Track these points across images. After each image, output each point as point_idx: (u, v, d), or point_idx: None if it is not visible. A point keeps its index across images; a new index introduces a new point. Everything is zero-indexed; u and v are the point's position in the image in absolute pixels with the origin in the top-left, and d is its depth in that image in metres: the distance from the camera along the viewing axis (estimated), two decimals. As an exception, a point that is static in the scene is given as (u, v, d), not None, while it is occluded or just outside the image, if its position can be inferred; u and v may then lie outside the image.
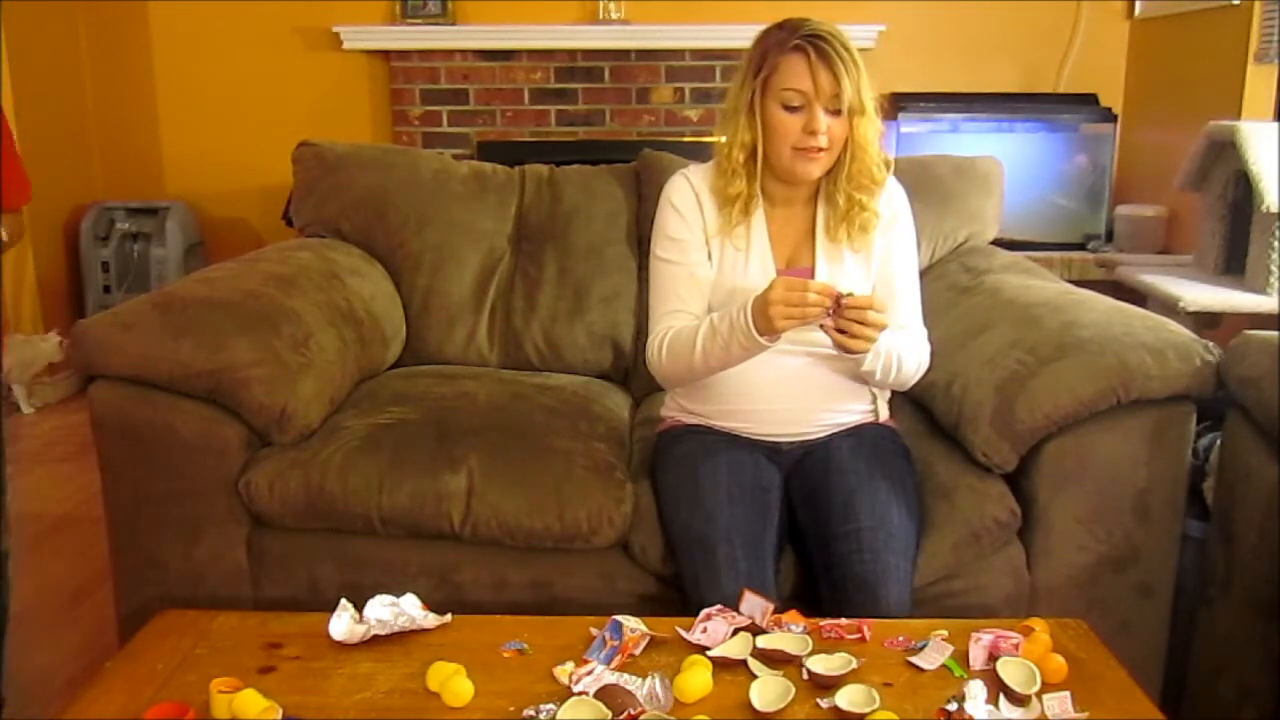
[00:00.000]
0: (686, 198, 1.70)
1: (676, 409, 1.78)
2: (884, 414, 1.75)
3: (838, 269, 1.67)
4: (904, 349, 1.62)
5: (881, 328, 1.50)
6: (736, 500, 1.55)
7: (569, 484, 1.68)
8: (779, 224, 1.70)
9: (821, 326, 1.50)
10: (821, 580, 1.54)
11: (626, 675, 1.22)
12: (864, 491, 1.55)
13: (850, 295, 1.48)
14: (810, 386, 1.67)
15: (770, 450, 1.68)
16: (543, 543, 1.59)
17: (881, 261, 1.70)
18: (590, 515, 1.65)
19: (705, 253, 1.68)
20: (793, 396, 1.67)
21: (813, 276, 1.65)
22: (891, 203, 1.70)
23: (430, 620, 1.35)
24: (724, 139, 1.66)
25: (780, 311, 1.47)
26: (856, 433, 1.69)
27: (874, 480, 1.57)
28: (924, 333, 1.72)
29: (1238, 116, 3.14)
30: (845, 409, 1.70)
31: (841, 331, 1.48)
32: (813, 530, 1.58)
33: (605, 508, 1.66)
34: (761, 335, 1.50)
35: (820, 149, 1.58)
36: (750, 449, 1.67)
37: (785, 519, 1.61)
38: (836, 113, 1.57)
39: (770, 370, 1.64)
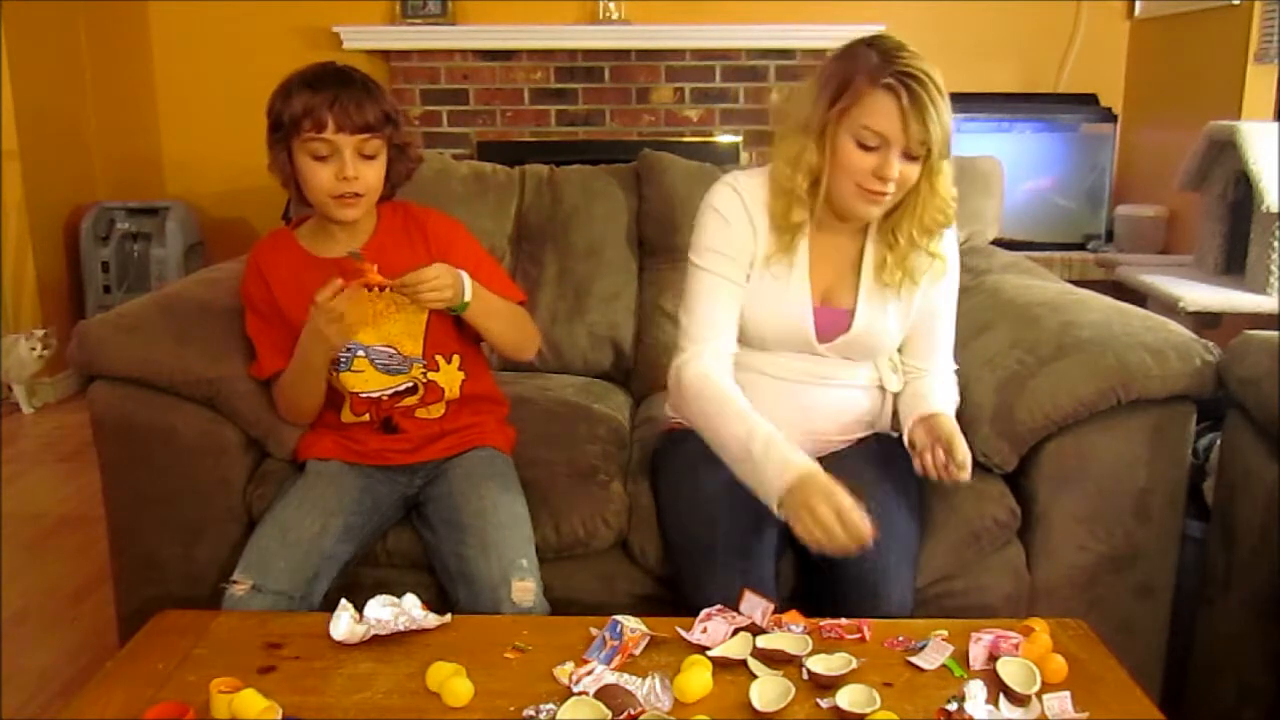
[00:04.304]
0: (736, 210, 1.57)
1: (682, 415, 1.73)
2: (887, 427, 1.71)
3: (879, 313, 1.60)
4: (951, 405, 1.62)
5: (962, 481, 1.50)
6: (737, 503, 1.54)
7: (555, 493, 1.68)
8: (820, 252, 1.59)
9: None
10: (823, 582, 1.53)
11: (626, 675, 1.22)
12: (868, 496, 1.52)
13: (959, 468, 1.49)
14: (822, 416, 1.64)
15: None
16: (544, 555, 1.60)
17: (923, 305, 1.63)
18: (585, 520, 1.65)
19: (746, 273, 1.58)
20: (806, 425, 1.61)
21: (851, 318, 1.59)
22: (946, 247, 1.61)
23: (430, 620, 1.34)
24: (785, 157, 1.52)
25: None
26: (861, 442, 1.68)
27: (877, 483, 1.56)
28: (954, 368, 1.69)
29: (1238, 116, 3.14)
30: (852, 436, 1.68)
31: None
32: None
33: (598, 510, 1.66)
34: (777, 500, 1.40)
35: (886, 193, 1.48)
36: None
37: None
38: (914, 158, 1.46)
39: (788, 401, 1.60)
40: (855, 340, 1.60)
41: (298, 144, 1.55)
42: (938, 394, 1.62)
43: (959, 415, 1.71)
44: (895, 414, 1.75)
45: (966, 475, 1.50)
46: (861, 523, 1.33)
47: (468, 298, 1.59)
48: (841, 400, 1.64)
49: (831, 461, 1.63)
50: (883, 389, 1.66)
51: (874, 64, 1.44)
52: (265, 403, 1.70)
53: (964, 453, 1.49)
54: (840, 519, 1.33)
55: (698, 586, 1.50)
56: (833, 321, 1.60)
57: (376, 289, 1.54)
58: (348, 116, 1.54)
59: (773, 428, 1.46)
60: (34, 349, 3.47)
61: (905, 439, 1.59)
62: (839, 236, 1.59)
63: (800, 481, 1.37)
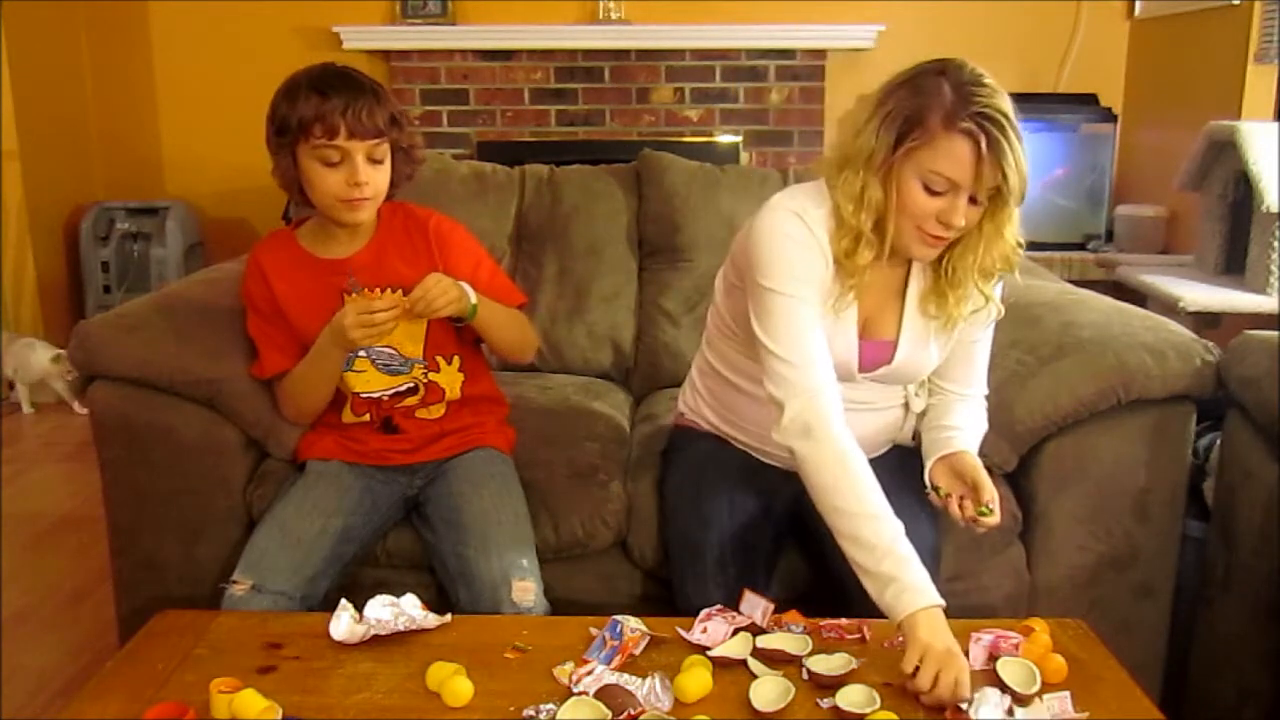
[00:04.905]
0: (809, 241, 1.42)
1: (698, 416, 1.70)
2: (909, 439, 1.65)
3: (920, 345, 1.51)
4: (981, 428, 1.56)
5: (993, 526, 1.42)
6: (736, 508, 1.53)
7: (555, 494, 1.68)
8: (864, 282, 1.46)
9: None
10: (837, 584, 1.46)
11: (626, 675, 1.22)
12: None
13: (985, 514, 1.41)
14: (854, 439, 1.56)
15: (789, 473, 1.54)
16: (543, 556, 1.60)
17: (963, 335, 1.53)
18: (584, 520, 1.66)
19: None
20: None
21: (894, 351, 1.51)
22: (995, 290, 1.50)
23: (430, 620, 1.34)
24: (847, 190, 1.39)
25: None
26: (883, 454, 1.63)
27: (898, 492, 1.48)
28: (985, 391, 1.61)
29: (1238, 116, 3.14)
30: (879, 453, 1.60)
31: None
32: (833, 542, 1.42)
33: (597, 510, 1.66)
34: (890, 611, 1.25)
35: (948, 238, 1.39)
36: (766, 465, 1.61)
37: (785, 522, 1.59)
38: (980, 202, 1.36)
39: None
40: (895, 372, 1.53)
41: (306, 148, 1.54)
42: (961, 424, 1.52)
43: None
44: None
45: (996, 519, 1.41)
46: (964, 689, 1.18)
47: (474, 302, 1.60)
48: (869, 422, 1.57)
49: None
50: (907, 407, 1.61)
51: (949, 103, 1.31)
52: (265, 403, 1.70)
53: (991, 493, 1.41)
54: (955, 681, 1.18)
55: (684, 588, 1.50)
56: (875, 353, 1.52)
57: (390, 308, 1.54)
58: (360, 123, 1.52)
59: (905, 548, 1.29)
60: (55, 362, 3.47)
61: (926, 476, 1.51)
62: (883, 265, 1.47)
63: (927, 618, 1.23)
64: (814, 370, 1.40)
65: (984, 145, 1.29)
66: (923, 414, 1.60)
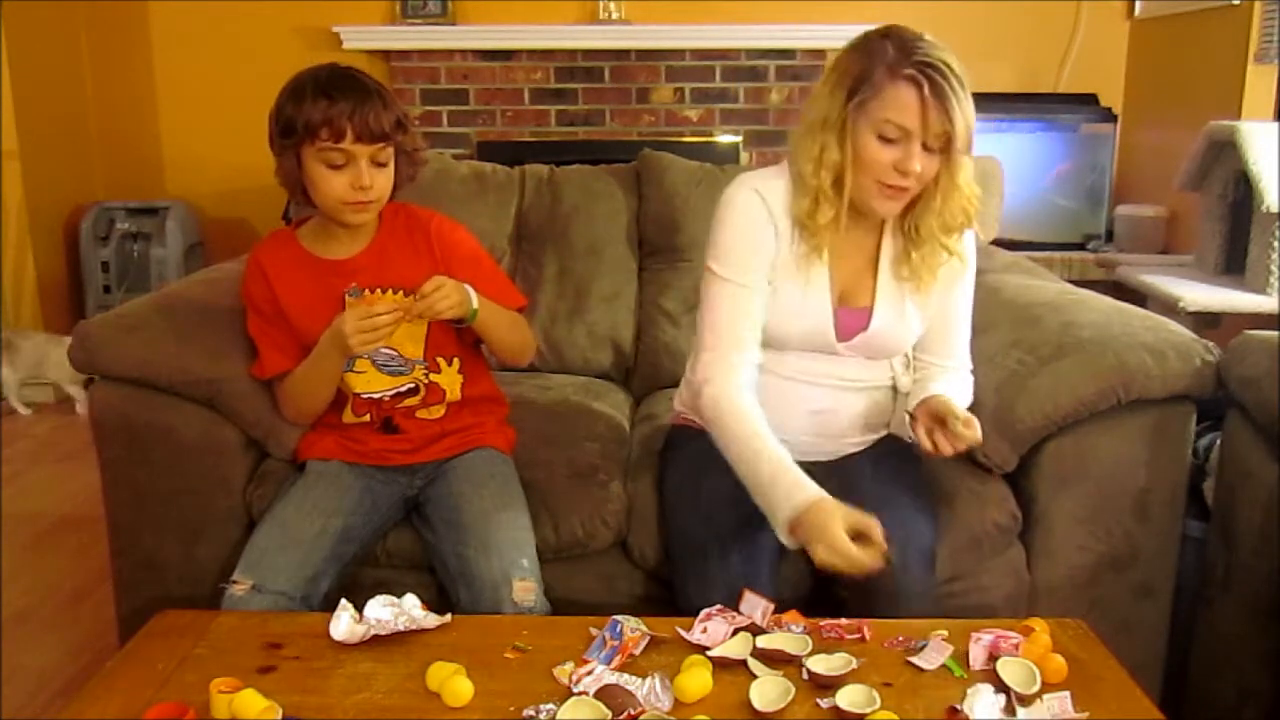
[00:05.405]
0: (758, 213, 1.52)
1: (695, 414, 1.70)
2: (904, 432, 1.66)
3: (896, 311, 1.58)
4: (966, 398, 1.59)
5: (974, 440, 1.45)
6: (738, 505, 1.53)
7: (555, 494, 1.68)
8: (837, 250, 1.55)
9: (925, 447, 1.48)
10: (837, 586, 1.50)
11: (626, 675, 1.22)
12: (885, 502, 1.47)
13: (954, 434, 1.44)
14: (839, 419, 1.62)
15: None
16: (543, 556, 1.60)
17: (940, 301, 1.60)
18: (584, 520, 1.66)
19: (769, 278, 1.54)
20: (819, 429, 1.61)
21: (870, 317, 1.57)
22: (965, 246, 1.58)
23: (430, 620, 1.34)
24: (806, 154, 1.48)
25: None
26: (876, 446, 1.67)
27: (892, 486, 1.54)
28: (970, 365, 1.67)
29: (1238, 116, 3.14)
30: (867, 439, 1.66)
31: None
32: None
33: (597, 510, 1.66)
34: (782, 534, 1.39)
35: (907, 189, 1.46)
36: None
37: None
38: (934, 150, 1.43)
39: (799, 405, 1.59)
40: (874, 339, 1.58)
41: (311, 151, 1.54)
42: (942, 391, 1.57)
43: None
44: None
45: (975, 432, 1.44)
46: (878, 539, 1.30)
47: (475, 305, 1.60)
48: (857, 402, 1.62)
49: (846, 465, 1.63)
50: (895, 389, 1.65)
51: (892, 55, 1.41)
52: (265, 403, 1.70)
53: (965, 414, 1.45)
54: (858, 539, 1.30)
55: (685, 587, 1.50)
56: (851, 321, 1.58)
57: (390, 311, 1.53)
58: (366, 127, 1.52)
59: (783, 452, 1.43)
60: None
61: (910, 430, 1.56)
62: (854, 233, 1.55)
63: (809, 509, 1.35)
64: (727, 346, 1.52)
65: (927, 90, 1.38)
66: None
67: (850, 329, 1.57)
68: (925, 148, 1.42)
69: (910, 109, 1.39)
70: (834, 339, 1.57)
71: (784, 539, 1.39)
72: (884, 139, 1.42)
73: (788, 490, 1.38)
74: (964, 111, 1.40)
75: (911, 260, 1.54)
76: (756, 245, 1.52)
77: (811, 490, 1.37)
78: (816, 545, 1.32)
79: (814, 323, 1.55)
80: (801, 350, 1.59)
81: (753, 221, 1.52)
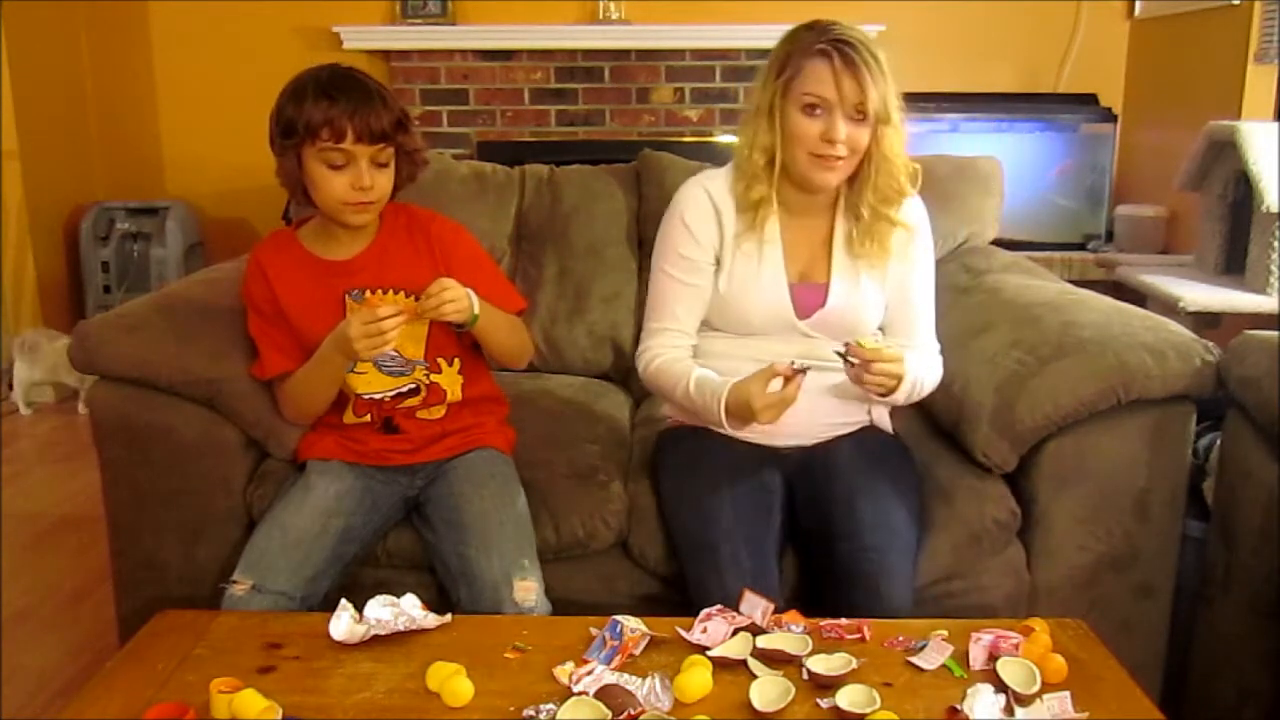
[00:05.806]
0: (703, 212, 1.66)
1: (678, 410, 1.77)
2: (886, 424, 1.74)
3: (852, 286, 1.66)
4: (924, 374, 1.62)
5: (896, 376, 1.53)
6: (738, 500, 1.55)
7: (555, 494, 1.68)
8: (794, 233, 1.67)
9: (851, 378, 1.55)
10: (824, 581, 1.54)
11: (626, 675, 1.22)
12: (866, 493, 1.55)
13: (858, 345, 1.52)
14: (813, 399, 1.63)
15: (771, 453, 1.67)
16: (544, 556, 1.60)
17: (897, 279, 1.68)
18: (584, 520, 1.66)
19: (713, 269, 1.67)
20: (796, 410, 1.61)
21: (827, 293, 1.66)
22: (911, 217, 1.67)
23: (430, 620, 1.34)
24: (744, 141, 1.63)
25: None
26: (858, 436, 1.69)
27: (876, 482, 1.57)
28: (937, 347, 1.72)
29: (1238, 116, 3.14)
30: (846, 421, 1.70)
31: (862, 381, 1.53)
32: (816, 531, 1.58)
33: (598, 510, 1.66)
34: (727, 422, 1.57)
35: (839, 158, 1.55)
36: (751, 450, 1.66)
37: (787, 520, 1.61)
38: (859, 121, 1.54)
39: (771, 388, 1.60)
40: (831, 314, 1.65)
41: (311, 151, 1.54)
42: (918, 355, 1.64)
43: (958, 415, 1.72)
44: (890, 410, 1.75)
45: (896, 364, 1.54)
46: (788, 370, 1.51)
47: (476, 310, 1.60)
48: (830, 380, 1.64)
49: (828, 456, 1.64)
50: None
51: (809, 37, 1.55)
52: (265, 403, 1.70)
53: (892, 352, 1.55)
54: (780, 386, 1.50)
55: (701, 584, 1.50)
56: (810, 297, 1.66)
57: (394, 314, 1.53)
58: (367, 127, 1.52)
59: (706, 372, 1.62)
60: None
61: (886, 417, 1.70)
62: (810, 217, 1.67)
63: (730, 393, 1.55)
64: (665, 326, 1.69)
65: (838, 60, 1.51)
66: None
67: (809, 306, 1.66)
68: (850, 119, 1.54)
69: (825, 80, 1.52)
70: (794, 315, 1.66)
71: (733, 431, 1.58)
72: (808, 112, 1.55)
73: (713, 392, 1.57)
74: (876, 81, 1.52)
75: (861, 236, 1.64)
76: (698, 244, 1.66)
77: (722, 382, 1.57)
78: (758, 413, 1.51)
79: (771, 298, 1.65)
80: (767, 333, 1.66)
81: (695, 221, 1.66)
